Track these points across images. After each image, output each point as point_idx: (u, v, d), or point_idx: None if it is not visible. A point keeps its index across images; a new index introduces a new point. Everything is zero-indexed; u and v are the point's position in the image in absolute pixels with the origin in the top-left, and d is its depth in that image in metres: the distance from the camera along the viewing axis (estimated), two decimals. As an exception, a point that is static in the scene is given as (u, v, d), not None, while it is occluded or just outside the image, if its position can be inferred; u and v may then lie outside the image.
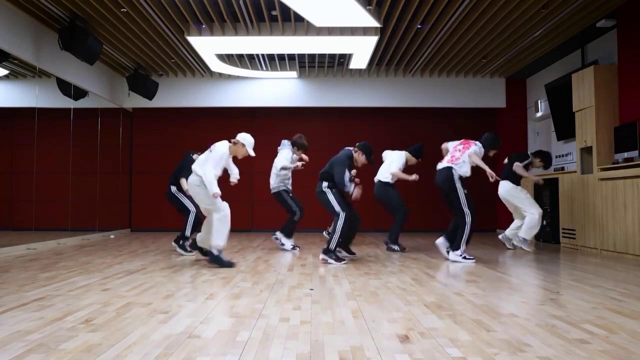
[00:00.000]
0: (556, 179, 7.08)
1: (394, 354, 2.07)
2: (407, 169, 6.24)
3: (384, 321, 2.62)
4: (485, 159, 5.41)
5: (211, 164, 4.70)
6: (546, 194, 7.32)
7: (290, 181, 6.34)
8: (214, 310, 2.85)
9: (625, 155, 5.73)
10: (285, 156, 6.20)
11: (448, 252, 5.26)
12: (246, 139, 4.86)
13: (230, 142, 4.86)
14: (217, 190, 4.60)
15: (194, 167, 4.80)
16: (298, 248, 6.32)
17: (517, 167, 6.14)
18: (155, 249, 6.38)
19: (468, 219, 5.12)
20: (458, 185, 5.19)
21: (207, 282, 3.83)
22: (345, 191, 5.00)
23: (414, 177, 5.97)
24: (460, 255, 5.12)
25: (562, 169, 7.64)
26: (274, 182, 6.24)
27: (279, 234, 6.35)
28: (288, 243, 6.28)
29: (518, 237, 6.08)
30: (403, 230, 6.43)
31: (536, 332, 2.40)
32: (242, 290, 3.51)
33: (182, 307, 2.92)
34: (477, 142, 5.43)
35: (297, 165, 6.22)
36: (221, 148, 4.80)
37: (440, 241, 5.38)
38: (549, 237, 7.21)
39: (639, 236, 5.27)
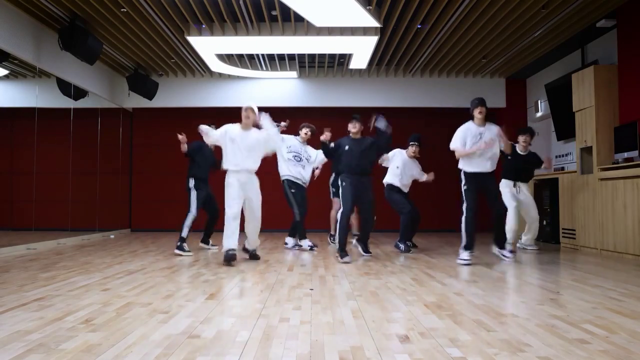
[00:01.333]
0: (556, 179, 7.08)
1: (394, 354, 2.07)
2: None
3: (384, 321, 2.62)
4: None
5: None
6: (546, 194, 7.32)
7: (304, 173, 6.26)
8: (214, 310, 2.85)
9: (625, 155, 5.73)
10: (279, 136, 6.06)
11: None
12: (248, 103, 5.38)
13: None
14: (204, 128, 5.23)
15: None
16: (317, 247, 6.24)
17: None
18: (155, 249, 6.37)
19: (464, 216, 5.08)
20: (463, 178, 5.18)
21: (207, 282, 3.83)
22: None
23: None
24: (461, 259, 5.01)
25: (562, 169, 7.62)
26: (281, 169, 6.29)
27: (303, 242, 6.24)
28: (305, 243, 6.21)
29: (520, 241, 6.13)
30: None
31: (536, 332, 2.40)
32: (242, 290, 3.51)
33: (182, 307, 2.92)
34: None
35: (281, 125, 5.98)
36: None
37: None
38: (549, 237, 7.21)
39: (639, 236, 5.27)
